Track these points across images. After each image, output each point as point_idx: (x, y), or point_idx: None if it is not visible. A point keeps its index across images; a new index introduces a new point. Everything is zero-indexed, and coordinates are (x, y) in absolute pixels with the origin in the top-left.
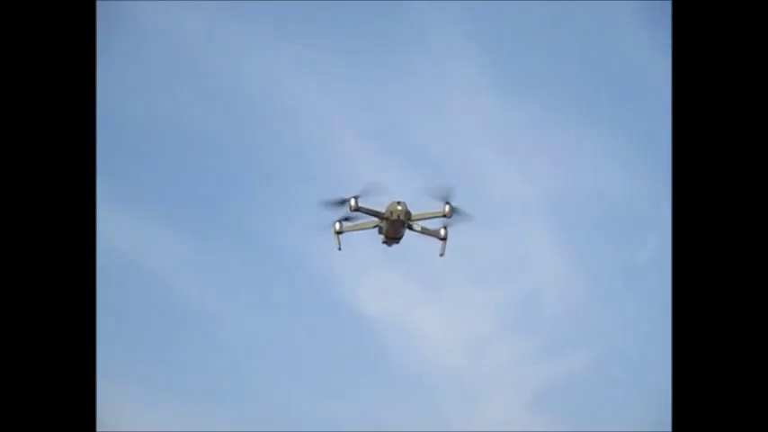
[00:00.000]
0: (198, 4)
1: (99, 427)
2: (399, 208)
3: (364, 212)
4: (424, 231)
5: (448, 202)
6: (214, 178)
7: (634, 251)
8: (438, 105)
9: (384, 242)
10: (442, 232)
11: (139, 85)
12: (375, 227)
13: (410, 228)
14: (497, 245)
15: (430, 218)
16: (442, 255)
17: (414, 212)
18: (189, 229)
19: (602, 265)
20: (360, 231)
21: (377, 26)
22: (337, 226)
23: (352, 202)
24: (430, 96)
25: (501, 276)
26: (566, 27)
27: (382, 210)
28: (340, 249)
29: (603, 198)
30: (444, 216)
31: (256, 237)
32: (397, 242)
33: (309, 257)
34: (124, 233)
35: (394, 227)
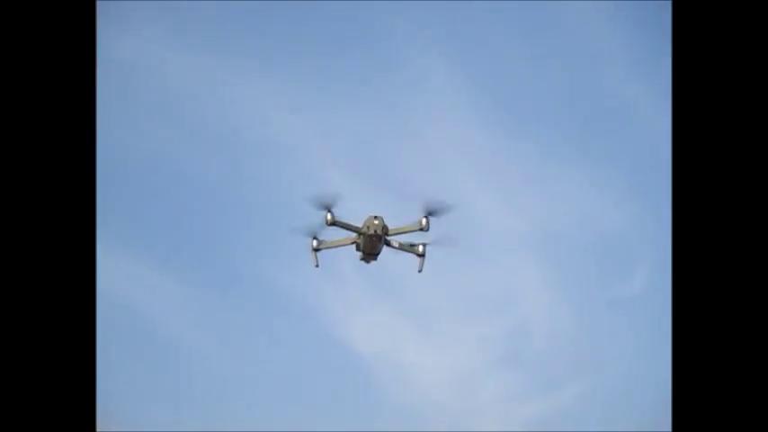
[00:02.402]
0: (183, 40)
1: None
2: (377, 222)
3: (341, 226)
4: (402, 248)
5: (426, 216)
6: (200, 215)
7: (622, 285)
8: (424, 138)
9: (362, 259)
10: (421, 249)
11: (128, 122)
12: (352, 243)
13: (387, 244)
14: (484, 278)
15: (407, 232)
16: (420, 271)
17: (391, 227)
18: (173, 266)
19: (589, 300)
20: (337, 248)
21: (362, 60)
22: (314, 243)
23: (329, 216)
24: (417, 129)
25: (488, 310)
26: (554, 57)
27: (359, 224)
28: (317, 266)
29: (591, 231)
30: (421, 230)
31: (243, 273)
32: (375, 259)
33: (296, 292)
34: (115, 271)
35: (371, 242)
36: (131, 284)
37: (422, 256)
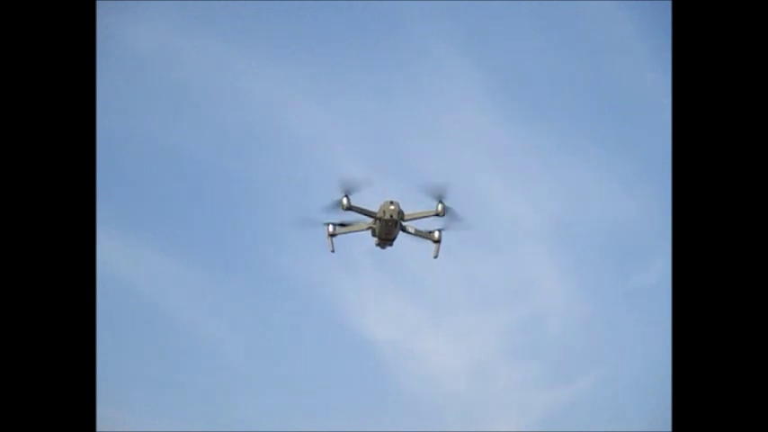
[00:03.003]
0: (194, 30)
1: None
2: (392, 207)
3: (357, 212)
4: (418, 234)
5: (441, 201)
6: (214, 203)
7: (637, 275)
8: (441, 130)
9: (377, 245)
10: (436, 235)
11: (138, 111)
12: (368, 228)
13: (404, 230)
14: (501, 269)
15: (423, 217)
16: (435, 257)
17: (406, 212)
18: (191, 256)
19: (605, 289)
20: (353, 233)
21: (378, 51)
22: (331, 228)
23: (344, 200)
24: (433, 121)
25: (505, 300)
26: (569, 50)
27: (375, 209)
28: (333, 251)
29: (607, 222)
30: (437, 215)
31: (258, 260)
32: (391, 244)
33: (310, 281)
34: (124, 258)
35: (387, 227)
36: (137, 269)
37: (437, 242)
